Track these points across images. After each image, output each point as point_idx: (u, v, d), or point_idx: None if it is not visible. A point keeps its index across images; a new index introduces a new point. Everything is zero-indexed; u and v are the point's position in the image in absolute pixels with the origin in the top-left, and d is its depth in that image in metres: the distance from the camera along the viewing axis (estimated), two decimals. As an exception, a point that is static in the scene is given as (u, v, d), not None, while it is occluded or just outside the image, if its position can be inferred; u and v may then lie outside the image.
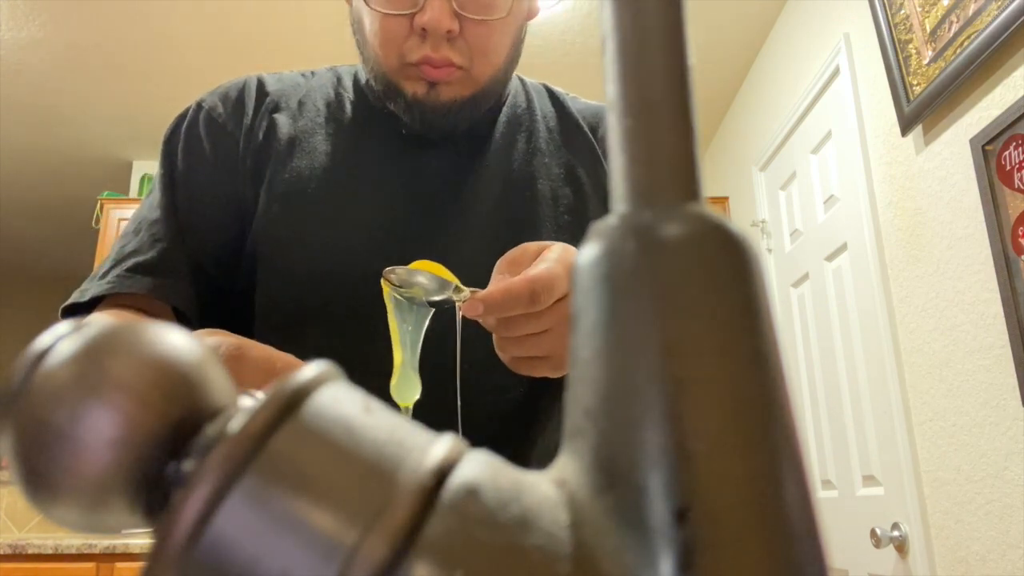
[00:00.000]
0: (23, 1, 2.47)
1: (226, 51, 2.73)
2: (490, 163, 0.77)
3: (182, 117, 0.78)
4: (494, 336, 0.56)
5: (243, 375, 0.48)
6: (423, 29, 0.68)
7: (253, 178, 0.74)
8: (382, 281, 0.56)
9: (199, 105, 0.78)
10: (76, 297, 0.70)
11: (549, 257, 0.54)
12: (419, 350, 0.57)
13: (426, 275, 0.55)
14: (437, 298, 0.55)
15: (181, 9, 2.51)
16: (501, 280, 0.54)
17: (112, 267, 0.71)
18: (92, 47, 2.70)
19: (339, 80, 0.82)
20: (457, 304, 0.54)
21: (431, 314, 0.57)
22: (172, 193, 0.75)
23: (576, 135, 0.82)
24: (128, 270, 0.70)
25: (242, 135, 0.76)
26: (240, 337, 0.51)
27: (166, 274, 0.70)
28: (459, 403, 0.59)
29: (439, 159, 0.76)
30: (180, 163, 0.76)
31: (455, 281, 0.55)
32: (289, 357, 0.51)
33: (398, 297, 0.56)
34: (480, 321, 0.54)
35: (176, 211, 0.74)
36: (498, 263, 0.57)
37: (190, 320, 0.72)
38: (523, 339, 0.54)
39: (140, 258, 0.71)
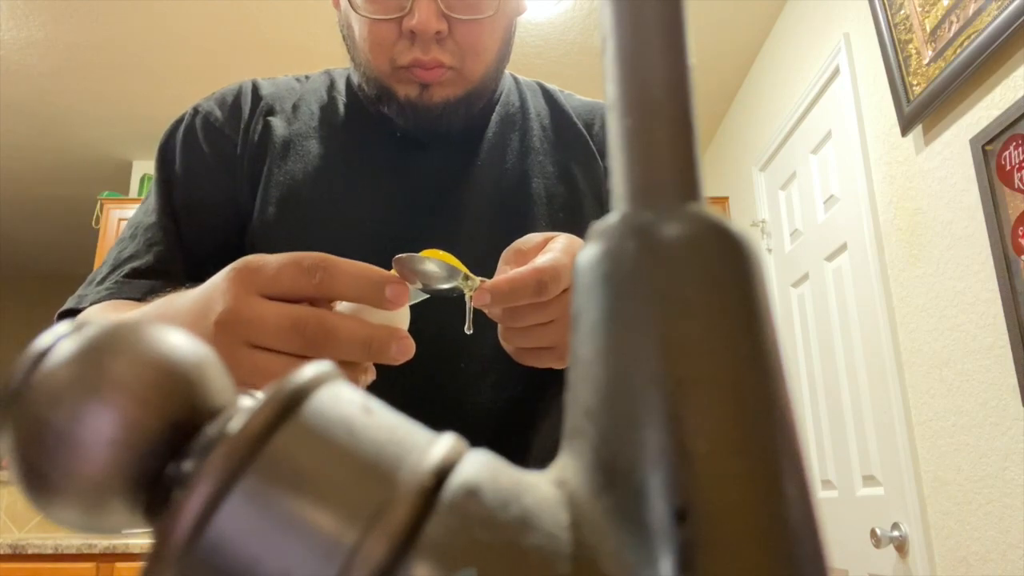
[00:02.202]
0: (23, 1, 2.47)
1: (226, 51, 2.73)
2: (484, 162, 0.77)
3: (179, 122, 0.79)
4: (499, 327, 0.56)
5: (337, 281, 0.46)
6: (412, 32, 0.68)
7: (250, 180, 0.74)
8: (392, 269, 0.56)
9: (195, 110, 0.78)
10: (74, 303, 0.70)
11: (555, 247, 0.54)
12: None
13: (436, 263, 0.55)
14: (446, 286, 0.55)
15: (181, 9, 2.51)
16: (507, 270, 0.54)
17: (110, 272, 0.71)
18: (92, 47, 2.70)
19: (332, 83, 0.82)
20: (467, 294, 0.54)
21: (424, 299, 0.58)
22: (169, 196, 0.75)
23: (570, 132, 0.82)
24: (126, 276, 0.70)
25: (239, 138, 0.76)
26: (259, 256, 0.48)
27: (162, 277, 0.70)
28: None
29: (433, 160, 0.76)
30: (178, 166, 0.76)
31: (465, 270, 0.55)
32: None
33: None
34: (486, 311, 0.54)
35: (173, 214, 0.74)
36: (504, 253, 0.57)
37: None
38: (529, 329, 0.54)
39: (137, 263, 0.71)
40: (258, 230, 0.72)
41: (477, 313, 0.58)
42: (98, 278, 0.71)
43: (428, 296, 0.57)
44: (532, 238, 0.57)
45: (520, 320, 0.54)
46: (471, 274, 0.55)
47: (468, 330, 0.56)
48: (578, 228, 0.59)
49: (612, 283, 0.17)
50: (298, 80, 0.83)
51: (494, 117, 0.80)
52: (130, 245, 0.73)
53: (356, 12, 0.70)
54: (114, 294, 0.69)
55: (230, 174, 0.75)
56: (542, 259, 0.52)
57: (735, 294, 0.17)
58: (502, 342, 0.58)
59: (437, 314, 0.64)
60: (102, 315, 0.67)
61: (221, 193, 0.74)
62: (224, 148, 0.76)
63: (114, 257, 0.73)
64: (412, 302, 0.57)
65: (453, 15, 0.68)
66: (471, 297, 0.53)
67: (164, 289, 0.70)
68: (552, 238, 0.56)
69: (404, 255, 0.55)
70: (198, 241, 0.73)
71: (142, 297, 0.68)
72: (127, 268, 0.70)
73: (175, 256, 0.72)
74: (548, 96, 0.85)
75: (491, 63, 0.74)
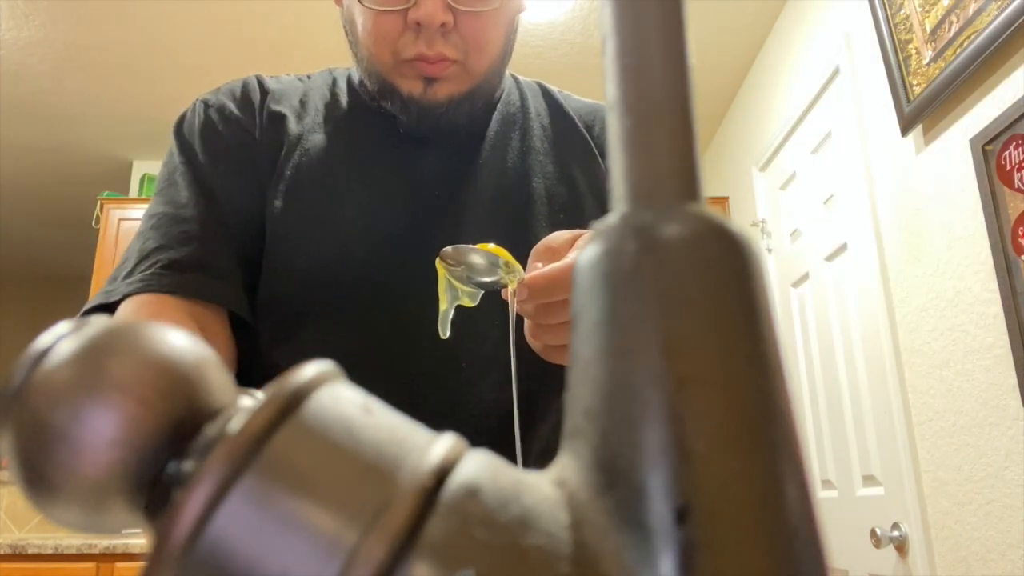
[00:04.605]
0: (23, 1, 2.47)
1: (226, 51, 2.72)
2: (484, 161, 0.77)
3: (188, 117, 0.77)
4: (527, 323, 0.56)
5: None
6: (417, 24, 0.67)
7: (268, 170, 0.73)
8: (437, 260, 0.57)
9: (205, 104, 0.76)
10: (101, 299, 0.66)
11: (585, 244, 0.54)
12: (448, 319, 0.59)
13: (481, 254, 0.55)
14: (488, 279, 0.55)
15: (181, 10, 2.51)
16: (538, 267, 0.54)
17: (137, 264, 0.66)
18: (92, 47, 2.70)
19: (334, 82, 0.82)
20: (510, 287, 0.54)
21: (479, 295, 0.58)
22: (201, 188, 0.71)
23: (571, 133, 0.82)
24: (162, 267, 0.65)
25: (256, 129, 0.75)
26: None
27: (201, 270, 0.66)
28: (515, 385, 0.56)
29: (433, 158, 0.76)
30: (202, 158, 0.73)
31: (517, 265, 0.55)
32: None
33: (450, 279, 0.57)
34: (517, 308, 0.54)
35: (211, 206, 0.70)
36: (534, 250, 0.57)
37: (244, 323, 0.69)
38: (559, 326, 0.54)
39: (172, 254, 0.66)
40: (268, 223, 0.72)
41: (479, 311, 0.58)
42: (123, 273, 0.67)
43: (482, 291, 0.57)
44: (560, 235, 0.57)
45: (553, 316, 0.54)
46: (522, 271, 0.55)
47: (511, 328, 0.55)
48: (579, 228, 0.59)
49: (612, 283, 0.17)
50: (300, 79, 0.83)
51: (495, 116, 0.80)
52: (155, 236, 0.68)
53: (361, 4, 0.69)
54: (149, 287, 0.64)
55: (252, 163, 0.73)
56: (575, 255, 0.52)
57: (735, 294, 0.17)
58: (529, 339, 0.57)
59: (438, 314, 0.64)
60: (139, 315, 0.63)
61: (249, 182, 0.73)
62: (244, 138, 0.74)
63: (138, 249, 0.68)
64: (463, 302, 0.58)
65: (458, 7, 0.68)
66: (515, 291, 0.53)
67: (206, 284, 0.66)
68: (580, 235, 0.56)
69: (452, 246, 0.56)
70: (235, 233, 0.71)
71: (179, 291, 0.65)
72: (162, 259, 0.66)
73: (219, 250, 0.68)
74: (548, 96, 0.85)
75: (495, 58, 0.74)
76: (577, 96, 0.88)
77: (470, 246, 0.56)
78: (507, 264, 0.54)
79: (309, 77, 0.83)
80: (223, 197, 0.71)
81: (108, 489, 0.18)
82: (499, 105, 0.81)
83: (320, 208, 0.72)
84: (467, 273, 0.56)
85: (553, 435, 0.74)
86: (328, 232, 0.72)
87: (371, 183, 0.74)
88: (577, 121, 0.83)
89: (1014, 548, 1.35)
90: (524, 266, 0.56)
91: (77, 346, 0.19)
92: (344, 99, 0.80)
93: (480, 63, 0.72)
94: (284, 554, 0.15)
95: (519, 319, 0.57)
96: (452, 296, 0.58)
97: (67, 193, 3.75)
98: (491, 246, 0.56)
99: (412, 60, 0.69)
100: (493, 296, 0.59)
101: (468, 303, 0.59)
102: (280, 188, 0.72)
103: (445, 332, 0.59)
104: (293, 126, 0.75)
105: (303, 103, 0.78)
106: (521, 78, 0.87)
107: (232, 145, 0.74)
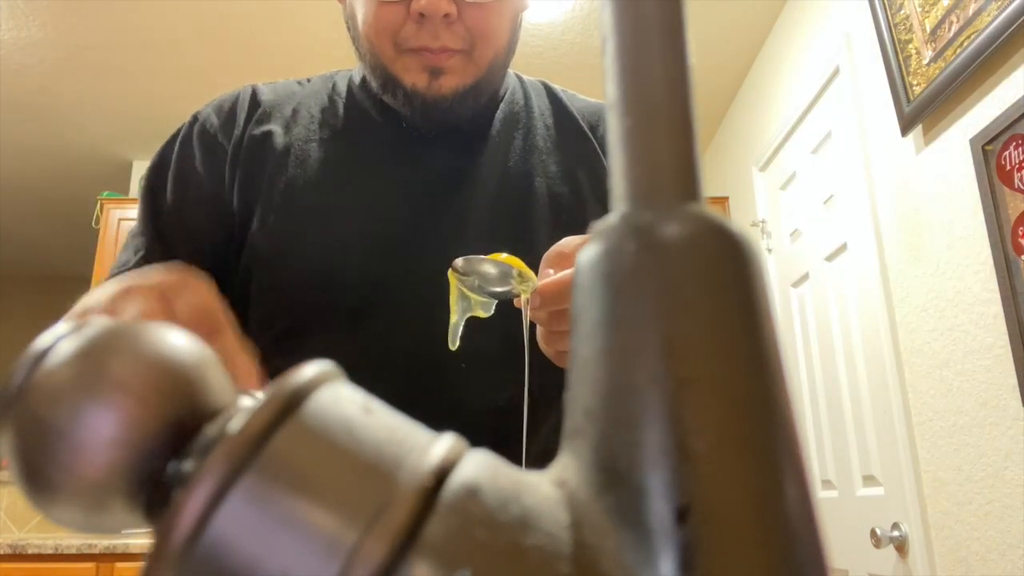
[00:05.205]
0: (23, 1, 2.47)
1: (225, 51, 2.72)
2: (487, 161, 0.77)
3: (179, 131, 0.79)
4: (539, 330, 0.56)
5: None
6: (420, 15, 0.67)
7: (241, 189, 0.74)
8: (449, 271, 0.57)
9: (195, 118, 0.78)
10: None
11: None
12: (458, 331, 0.59)
13: (492, 263, 0.55)
14: (499, 288, 0.55)
15: (181, 9, 2.51)
16: (550, 273, 0.54)
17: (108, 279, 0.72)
18: (92, 47, 2.70)
19: (334, 86, 0.81)
20: (524, 296, 0.54)
21: (493, 305, 0.58)
22: (154, 204, 0.75)
23: (574, 133, 0.82)
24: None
25: (231, 146, 0.75)
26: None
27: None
28: (527, 391, 0.56)
29: (435, 158, 0.76)
30: (170, 174, 0.76)
31: (530, 274, 0.55)
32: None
33: (462, 289, 0.57)
34: (529, 314, 0.54)
35: (156, 220, 0.74)
36: (545, 256, 0.57)
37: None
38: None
39: (127, 270, 0.71)
40: (260, 238, 0.72)
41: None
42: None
43: (495, 300, 0.57)
44: (572, 240, 0.56)
45: (565, 323, 0.53)
46: (533, 275, 0.54)
47: (526, 338, 0.55)
48: (581, 229, 0.59)
49: (612, 283, 0.17)
50: (299, 84, 0.82)
51: (498, 115, 0.80)
52: (122, 255, 0.74)
53: None
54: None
55: (219, 182, 0.74)
56: None
57: (735, 294, 0.17)
58: (541, 345, 0.57)
59: (439, 314, 0.64)
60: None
61: (209, 202, 0.74)
62: (216, 155, 0.75)
63: (112, 267, 0.73)
64: (476, 313, 0.57)
65: None
66: (528, 301, 0.52)
67: None
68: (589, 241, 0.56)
69: (463, 258, 0.55)
70: (191, 247, 0.73)
71: None
72: (117, 274, 0.70)
73: (156, 260, 0.71)
74: (552, 96, 0.85)
75: (500, 49, 0.73)
76: (581, 96, 0.87)
77: (482, 256, 0.55)
78: (520, 274, 0.54)
79: (308, 81, 0.83)
80: (170, 212, 0.74)
81: (108, 489, 0.18)
82: (502, 104, 0.81)
83: (319, 214, 0.72)
84: (479, 283, 0.55)
85: (553, 435, 0.74)
86: (328, 236, 0.71)
87: (370, 189, 0.74)
88: (581, 121, 0.83)
89: (1014, 548, 1.35)
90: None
91: (77, 346, 0.19)
92: (342, 103, 0.79)
93: (485, 53, 0.71)
94: (284, 554, 0.15)
95: (531, 325, 0.57)
96: (464, 307, 0.58)
97: (67, 193, 3.75)
98: (504, 256, 0.55)
99: (416, 50, 0.69)
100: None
101: (482, 313, 0.59)
102: (274, 202, 0.72)
103: (454, 344, 0.59)
104: (280, 139, 0.75)
105: (295, 112, 0.78)
106: (525, 77, 0.87)
107: (201, 163, 0.75)
